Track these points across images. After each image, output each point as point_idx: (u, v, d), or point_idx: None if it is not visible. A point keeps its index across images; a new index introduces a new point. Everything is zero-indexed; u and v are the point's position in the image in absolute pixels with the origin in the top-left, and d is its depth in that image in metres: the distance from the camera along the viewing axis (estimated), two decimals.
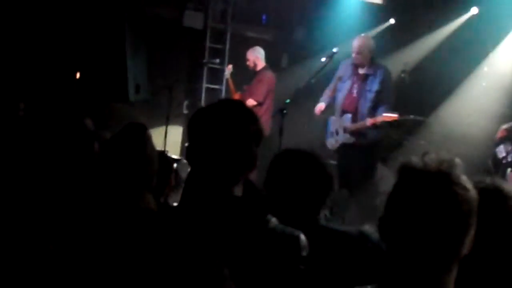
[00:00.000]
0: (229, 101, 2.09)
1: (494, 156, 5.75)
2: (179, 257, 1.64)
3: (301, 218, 2.06)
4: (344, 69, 6.22)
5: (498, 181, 1.79)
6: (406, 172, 1.43)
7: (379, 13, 8.05)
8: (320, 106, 6.31)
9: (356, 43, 6.05)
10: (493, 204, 1.72)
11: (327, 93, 6.39)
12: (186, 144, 1.85)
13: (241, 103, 1.93)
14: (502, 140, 5.76)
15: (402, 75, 7.35)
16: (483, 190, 1.77)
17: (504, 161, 5.64)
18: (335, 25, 7.93)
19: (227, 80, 7.79)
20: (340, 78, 6.24)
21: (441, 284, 1.39)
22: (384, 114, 5.84)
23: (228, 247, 1.65)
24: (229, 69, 7.79)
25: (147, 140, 2.68)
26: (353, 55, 6.06)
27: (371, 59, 6.07)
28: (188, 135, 1.83)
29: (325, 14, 8.12)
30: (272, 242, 1.67)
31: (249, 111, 1.86)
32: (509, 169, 5.58)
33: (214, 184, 1.73)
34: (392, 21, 8.08)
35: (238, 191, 1.79)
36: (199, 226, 1.67)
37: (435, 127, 7.12)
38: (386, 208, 1.44)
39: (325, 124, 6.50)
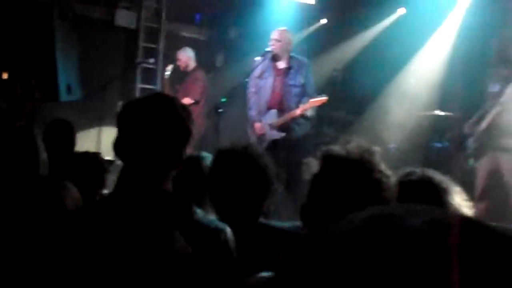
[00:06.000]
0: (163, 96, 2.03)
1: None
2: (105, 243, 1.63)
3: (241, 216, 2.05)
4: (261, 67, 6.02)
5: (428, 172, 1.87)
6: (329, 160, 1.46)
7: (312, 13, 8.18)
8: (257, 126, 6.04)
9: (275, 33, 5.99)
10: (425, 194, 1.79)
11: (255, 104, 6.10)
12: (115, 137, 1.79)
13: (175, 98, 1.90)
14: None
15: (334, 73, 7.50)
16: (413, 182, 1.85)
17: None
18: (268, 25, 7.99)
19: (164, 79, 7.66)
20: (260, 76, 6.04)
21: None
22: (311, 100, 5.76)
23: (151, 235, 1.64)
24: (168, 69, 7.61)
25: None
26: (272, 44, 5.93)
27: (290, 54, 6.01)
28: (118, 126, 1.78)
29: (258, 14, 8.18)
30: (196, 233, 1.66)
31: (183, 106, 1.84)
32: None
33: (142, 176, 1.71)
34: (324, 21, 8.24)
35: (167, 186, 1.77)
36: (125, 215, 1.66)
37: (368, 124, 7.30)
38: (308, 194, 1.47)
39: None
